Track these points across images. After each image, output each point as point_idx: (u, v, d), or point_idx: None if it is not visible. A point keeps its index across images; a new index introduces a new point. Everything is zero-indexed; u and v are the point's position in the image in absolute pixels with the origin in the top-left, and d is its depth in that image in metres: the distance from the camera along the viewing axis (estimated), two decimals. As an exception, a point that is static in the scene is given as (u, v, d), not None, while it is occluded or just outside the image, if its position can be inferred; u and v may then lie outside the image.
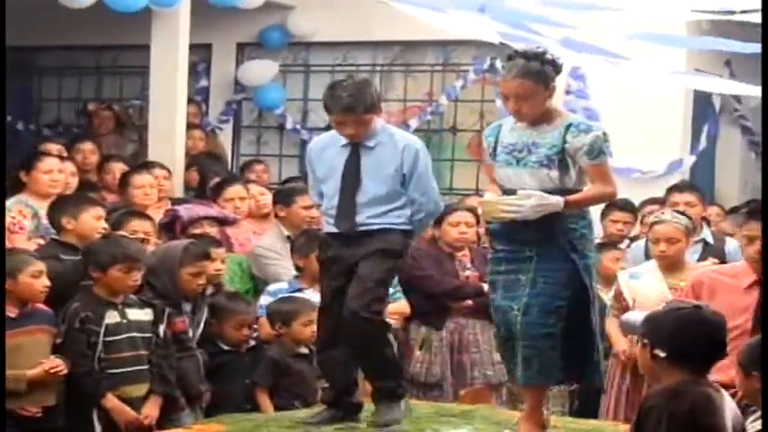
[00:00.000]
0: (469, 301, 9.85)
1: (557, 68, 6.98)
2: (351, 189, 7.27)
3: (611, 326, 9.02)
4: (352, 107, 7.18)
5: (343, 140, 7.29)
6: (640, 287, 8.94)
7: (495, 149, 7.08)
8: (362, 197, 7.26)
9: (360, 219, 7.25)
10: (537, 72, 6.85)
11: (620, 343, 8.97)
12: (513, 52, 7.06)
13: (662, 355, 4.86)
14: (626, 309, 8.82)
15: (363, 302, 7.06)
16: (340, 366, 7.45)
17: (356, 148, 7.31)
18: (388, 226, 7.25)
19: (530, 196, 6.85)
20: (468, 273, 10.03)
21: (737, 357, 5.28)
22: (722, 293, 6.19)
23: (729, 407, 4.91)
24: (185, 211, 9.89)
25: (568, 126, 7.02)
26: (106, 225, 8.73)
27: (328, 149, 7.43)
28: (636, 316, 5.28)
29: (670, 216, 9.10)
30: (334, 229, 7.31)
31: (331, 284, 7.34)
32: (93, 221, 8.67)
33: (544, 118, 6.98)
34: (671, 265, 8.96)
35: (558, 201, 6.78)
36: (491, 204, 6.97)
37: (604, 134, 7.00)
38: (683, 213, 9.33)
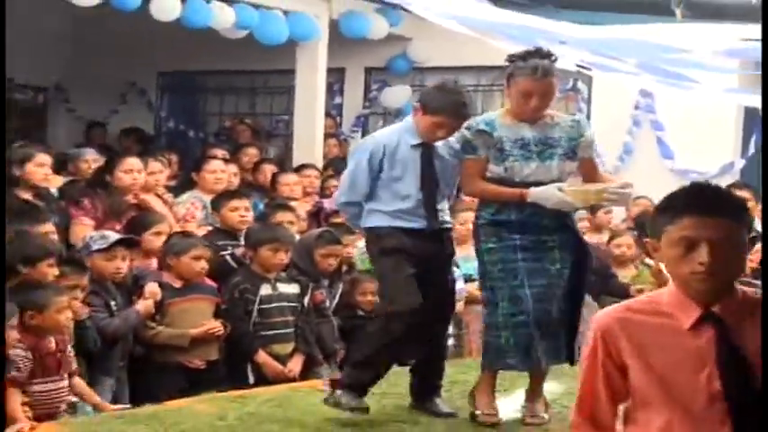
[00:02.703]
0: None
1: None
2: (432, 189, 6.26)
3: None
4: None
5: (413, 141, 6.19)
6: None
7: (500, 145, 6.21)
8: (439, 197, 6.35)
9: (441, 217, 6.36)
10: (554, 70, 6.27)
11: None
12: (524, 53, 6.25)
13: None
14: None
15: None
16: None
17: (428, 150, 6.24)
18: (452, 225, 6.66)
19: (627, 186, 6.45)
20: None
21: None
22: (655, 342, 3.45)
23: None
24: (328, 203, 9.92)
25: (579, 121, 6.59)
26: (245, 214, 8.85)
27: (399, 149, 6.22)
28: None
29: None
30: (409, 225, 6.21)
31: (409, 272, 6.16)
32: (229, 212, 8.85)
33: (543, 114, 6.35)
34: None
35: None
36: (587, 193, 6.39)
37: None
38: None
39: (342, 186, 6.46)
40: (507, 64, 6.32)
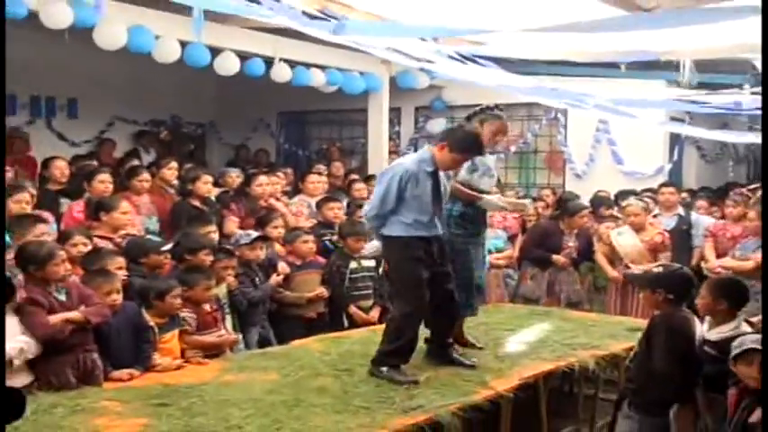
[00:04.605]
0: (562, 259, 9.14)
1: None
2: (440, 205, 5.66)
3: (601, 259, 8.92)
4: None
5: (429, 168, 5.51)
6: (623, 240, 8.68)
7: (472, 161, 5.95)
8: (441, 211, 5.71)
9: (442, 226, 5.73)
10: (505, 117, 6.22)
11: (612, 272, 8.77)
12: (491, 106, 6.16)
13: (670, 297, 4.79)
14: (613, 251, 8.77)
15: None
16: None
17: (437, 175, 5.60)
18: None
19: (527, 200, 6.62)
20: (571, 244, 9.19)
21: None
22: None
23: (697, 323, 4.82)
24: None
25: (494, 154, 6.48)
26: (338, 212, 8.84)
27: (420, 174, 5.49)
28: (644, 274, 5.17)
29: (634, 201, 8.91)
30: (427, 234, 5.54)
31: (427, 272, 5.51)
32: (328, 211, 8.86)
33: None
34: (638, 228, 8.65)
35: None
36: (515, 204, 6.57)
37: None
38: (641, 200, 9.07)
39: (373, 202, 5.66)
40: (482, 111, 6.16)
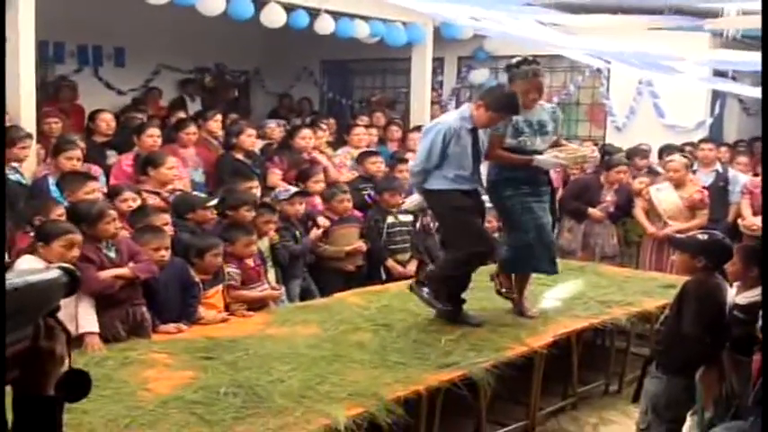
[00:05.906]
0: (597, 213, 9.15)
1: None
2: (479, 160, 5.88)
3: (639, 214, 8.97)
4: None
5: (469, 126, 5.74)
6: (663, 196, 8.73)
7: (516, 125, 5.96)
8: (480, 166, 5.95)
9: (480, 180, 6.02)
10: (541, 71, 6.04)
11: (650, 227, 8.84)
12: (518, 62, 5.96)
13: (709, 265, 4.86)
14: (652, 206, 8.82)
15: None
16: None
17: (476, 132, 5.82)
18: None
19: (594, 151, 6.53)
20: (609, 198, 9.18)
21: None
22: None
23: (728, 289, 4.90)
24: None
25: (556, 107, 6.37)
26: (380, 166, 8.88)
27: (462, 131, 5.72)
28: (689, 240, 5.20)
29: (677, 157, 8.91)
30: (468, 187, 5.83)
31: (479, 223, 5.94)
32: (370, 164, 8.90)
33: None
34: (678, 184, 8.70)
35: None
36: (575, 158, 6.34)
37: None
38: (686, 157, 9.07)
39: (419, 157, 5.90)
40: (509, 69, 6.05)
